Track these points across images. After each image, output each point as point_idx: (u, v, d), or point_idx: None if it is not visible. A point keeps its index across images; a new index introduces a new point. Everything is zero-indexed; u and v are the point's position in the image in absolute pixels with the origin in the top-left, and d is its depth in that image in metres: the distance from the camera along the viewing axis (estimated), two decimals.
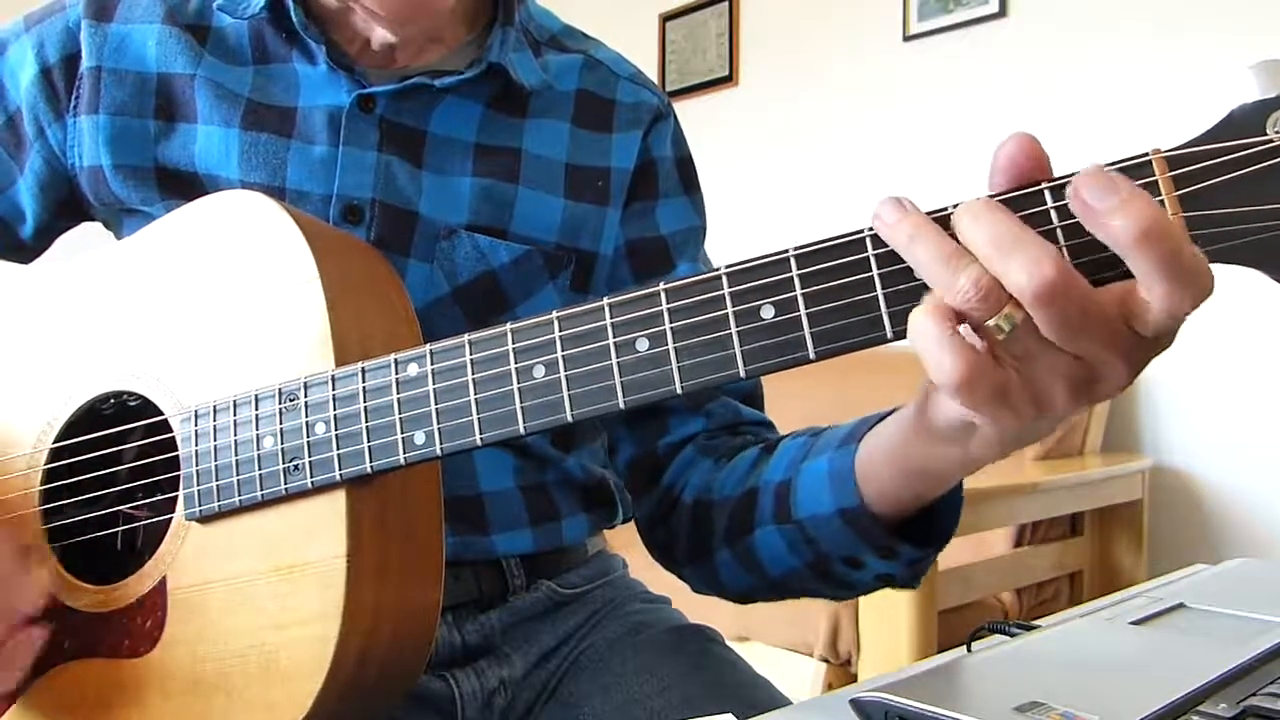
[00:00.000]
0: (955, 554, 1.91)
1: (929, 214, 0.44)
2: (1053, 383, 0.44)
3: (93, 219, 0.81)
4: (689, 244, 0.84)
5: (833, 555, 0.64)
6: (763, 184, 3.12)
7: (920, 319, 0.43)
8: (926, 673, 0.50)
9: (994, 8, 2.65)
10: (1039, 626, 0.60)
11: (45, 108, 0.75)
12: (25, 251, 0.82)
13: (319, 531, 0.55)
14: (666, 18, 3.43)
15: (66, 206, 0.79)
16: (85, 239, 0.80)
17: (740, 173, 3.12)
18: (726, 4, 3.26)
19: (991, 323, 0.42)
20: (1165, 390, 2.43)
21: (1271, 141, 0.40)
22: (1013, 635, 0.59)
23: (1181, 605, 0.62)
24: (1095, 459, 2.35)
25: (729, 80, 3.27)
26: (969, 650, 0.58)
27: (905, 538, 0.61)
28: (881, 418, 0.61)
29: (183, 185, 0.73)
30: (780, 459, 0.69)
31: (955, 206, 0.44)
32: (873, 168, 2.88)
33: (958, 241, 0.43)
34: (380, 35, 0.75)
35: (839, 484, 0.62)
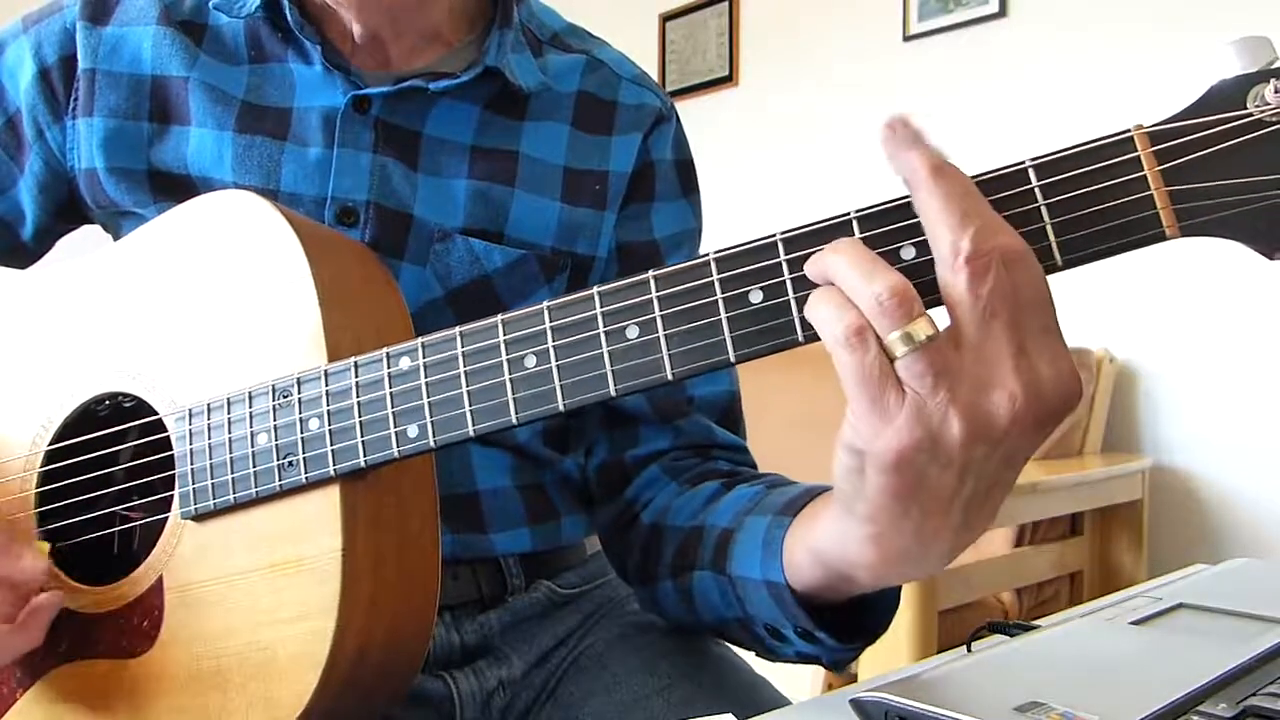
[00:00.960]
0: None
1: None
2: (938, 409, 0.43)
3: (92, 221, 0.81)
4: (682, 246, 0.83)
5: (757, 619, 0.64)
6: (763, 184, 3.12)
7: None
8: (926, 673, 0.50)
9: (994, 8, 2.65)
10: (1039, 626, 0.59)
11: (44, 109, 0.75)
12: (25, 253, 0.81)
13: (314, 526, 0.55)
14: (666, 18, 3.43)
15: (66, 208, 0.78)
16: (85, 241, 0.80)
17: (740, 173, 3.12)
18: (726, 4, 3.26)
19: (895, 335, 0.42)
20: (1165, 390, 2.43)
21: (1251, 115, 0.40)
22: (1013, 635, 0.59)
23: (1181, 605, 0.62)
24: (1095, 459, 2.35)
25: (729, 80, 3.27)
26: (969, 650, 0.58)
27: (831, 625, 0.60)
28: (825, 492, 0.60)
29: (176, 188, 0.73)
30: (730, 504, 0.68)
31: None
32: (873, 168, 2.87)
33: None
34: (357, 29, 0.74)
35: (769, 555, 0.60)
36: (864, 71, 2.92)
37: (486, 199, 0.75)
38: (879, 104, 2.89)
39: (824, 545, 0.54)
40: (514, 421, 0.51)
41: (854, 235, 0.45)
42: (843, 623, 0.60)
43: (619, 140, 0.81)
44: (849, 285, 0.43)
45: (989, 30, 2.68)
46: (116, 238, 0.78)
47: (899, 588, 0.60)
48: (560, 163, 0.78)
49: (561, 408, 0.50)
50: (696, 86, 3.33)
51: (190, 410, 0.59)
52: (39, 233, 0.80)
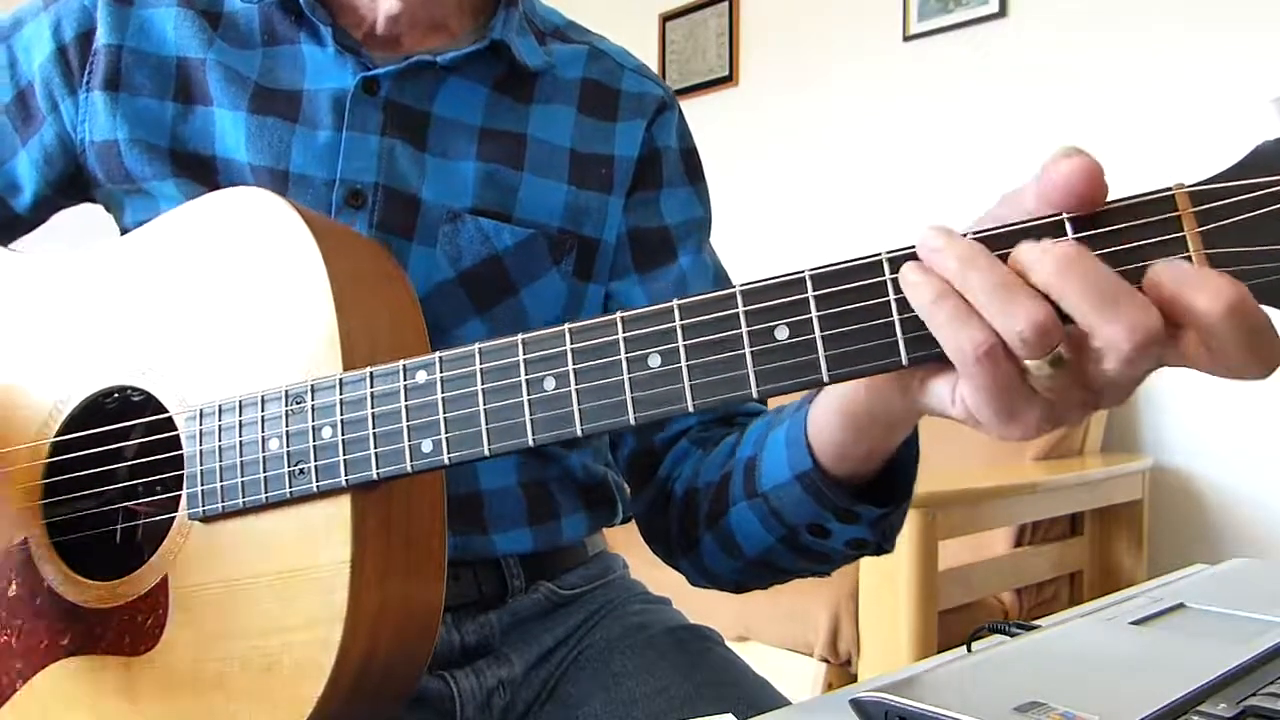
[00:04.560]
0: (955, 554, 1.91)
1: (981, 234, 0.43)
2: (1070, 409, 0.43)
3: (92, 199, 0.81)
4: (692, 234, 0.84)
5: (798, 525, 0.63)
6: (763, 184, 3.12)
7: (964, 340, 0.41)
8: (926, 673, 0.50)
9: (994, 8, 2.65)
10: (1039, 626, 0.60)
11: (60, 83, 0.76)
12: (18, 226, 0.81)
13: (323, 536, 0.55)
14: (666, 18, 3.43)
15: (69, 182, 0.79)
16: (90, 228, 0.80)
17: (740, 173, 3.12)
18: (726, 4, 3.26)
19: (1035, 363, 0.41)
20: (1165, 390, 2.44)
21: None
22: (1013, 635, 0.59)
23: (1181, 605, 0.62)
24: (1095, 459, 2.35)
25: (729, 80, 3.26)
26: (969, 650, 0.59)
27: (865, 498, 0.60)
28: None
29: (196, 166, 0.74)
30: (751, 435, 0.69)
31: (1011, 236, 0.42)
32: (873, 168, 2.88)
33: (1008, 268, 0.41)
34: (386, 7, 0.76)
35: (794, 449, 0.61)
36: (864, 71, 2.92)
37: (494, 180, 0.77)
38: (879, 104, 2.89)
39: (886, 413, 0.53)
40: (530, 443, 0.50)
41: (885, 276, 0.44)
42: (875, 491, 0.60)
43: (623, 126, 0.83)
44: (986, 311, 0.41)
45: (989, 30, 2.68)
46: (119, 218, 0.79)
47: (916, 440, 0.60)
48: (567, 145, 0.80)
49: (579, 433, 0.49)
50: (696, 86, 3.33)
51: (201, 410, 0.59)
52: (35, 205, 0.80)
